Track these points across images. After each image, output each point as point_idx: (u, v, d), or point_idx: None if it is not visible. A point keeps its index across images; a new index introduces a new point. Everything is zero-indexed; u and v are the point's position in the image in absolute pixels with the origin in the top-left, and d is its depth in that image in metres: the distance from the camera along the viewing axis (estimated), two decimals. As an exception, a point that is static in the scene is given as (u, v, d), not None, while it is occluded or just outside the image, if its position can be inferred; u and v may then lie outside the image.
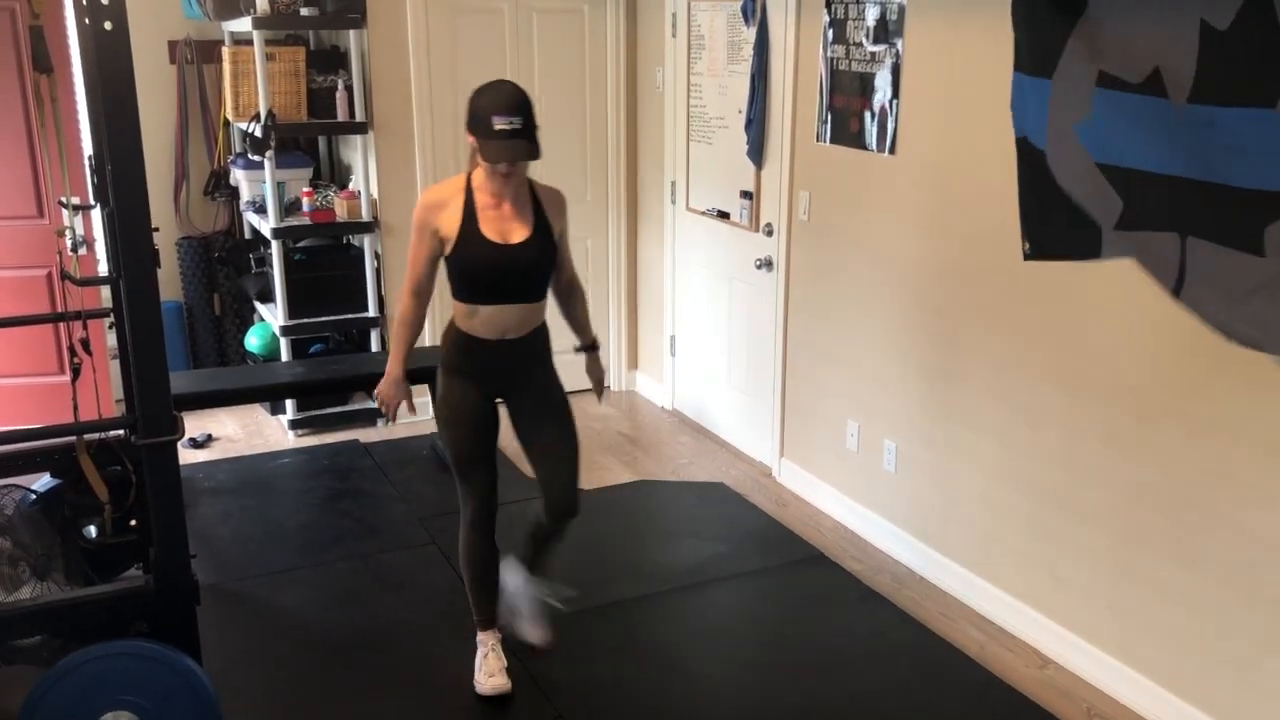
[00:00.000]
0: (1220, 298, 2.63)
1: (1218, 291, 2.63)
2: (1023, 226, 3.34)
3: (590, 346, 3.31)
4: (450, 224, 2.92)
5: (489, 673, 3.18)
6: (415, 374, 4.71)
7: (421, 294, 3.06)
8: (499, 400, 3.13)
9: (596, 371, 3.33)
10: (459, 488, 3.17)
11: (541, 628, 3.39)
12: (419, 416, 5.38)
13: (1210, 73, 2.61)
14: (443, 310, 5.48)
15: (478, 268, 2.94)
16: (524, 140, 2.84)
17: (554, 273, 3.09)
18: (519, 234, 2.95)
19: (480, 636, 3.25)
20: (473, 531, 3.18)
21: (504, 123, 2.81)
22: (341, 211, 5.14)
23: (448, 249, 2.94)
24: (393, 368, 3.13)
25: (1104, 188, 2.84)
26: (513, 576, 3.40)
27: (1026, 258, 3.35)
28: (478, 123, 2.85)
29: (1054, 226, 3.24)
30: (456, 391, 3.07)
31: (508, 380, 3.10)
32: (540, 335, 3.12)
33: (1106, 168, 2.82)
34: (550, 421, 3.14)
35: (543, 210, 3.01)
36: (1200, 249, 2.63)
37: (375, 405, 3.22)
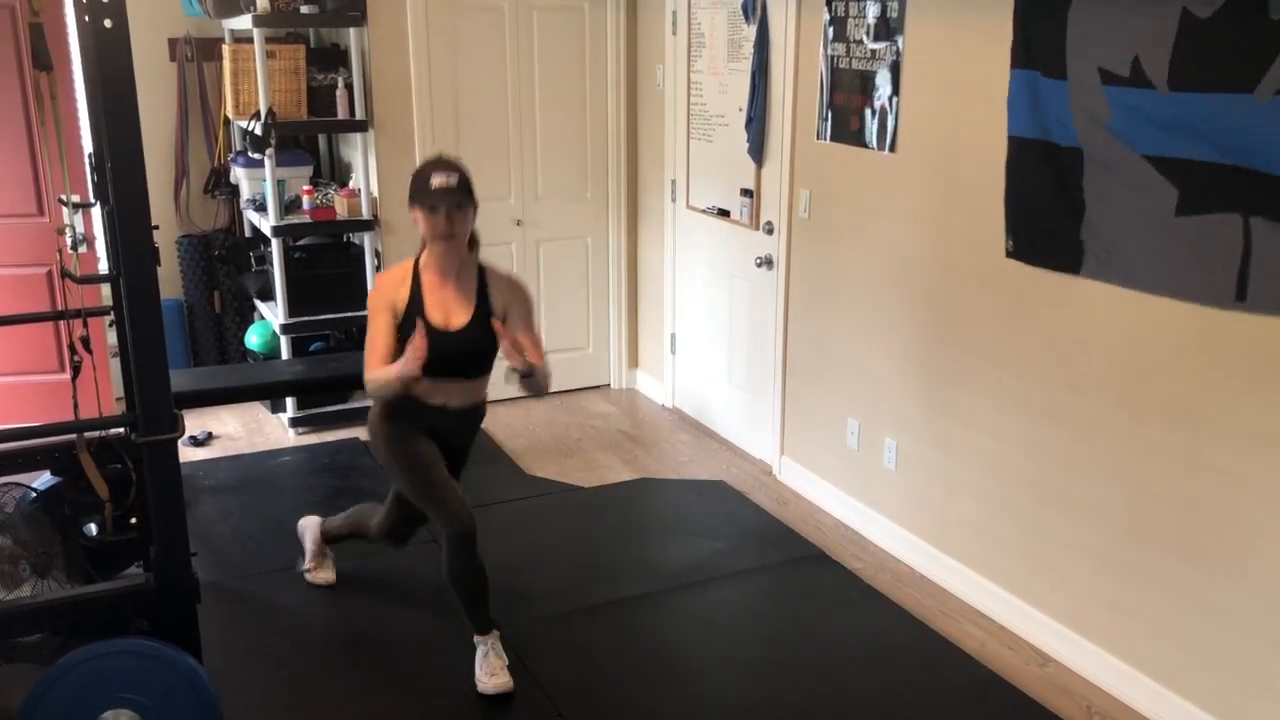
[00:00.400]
0: None
1: None
2: (1007, 224, 3.35)
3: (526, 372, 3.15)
4: (400, 304, 3.10)
5: (490, 671, 3.18)
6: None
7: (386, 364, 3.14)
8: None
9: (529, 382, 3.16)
10: (435, 518, 3.18)
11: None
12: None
13: (1190, 61, 2.64)
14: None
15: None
16: (459, 191, 3.01)
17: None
18: (459, 318, 3.11)
19: (478, 638, 3.25)
20: (458, 554, 3.16)
21: (441, 178, 3.00)
22: (342, 209, 5.14)
23: (397, 323, 3.09)
24: (388, 376, 3.10)
25: (1154, 178, 2.83)
26: (312, 529, 3.75)
27: (1008, 255, 3.37)
28: (417, 188, 3.04)
29: (1039, 231, 3.25)
30: (404, 435, 3.18)
31: (449, 439, 3.26)
32: (478, 412, 3.31)
33: (1153, 158, 2.82)
34: (455, 470, 3.32)
35: (487, 294, 3.14)
36: (1265, 229, 2.61)
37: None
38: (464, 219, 3.04)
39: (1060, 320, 3.28)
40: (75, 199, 3.38)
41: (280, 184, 5.09)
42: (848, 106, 4.02)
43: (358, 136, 5.24)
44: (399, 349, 3.06)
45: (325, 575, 3.82)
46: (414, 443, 3.17)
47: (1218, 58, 2.61)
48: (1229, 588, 2.88)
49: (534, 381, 3.09)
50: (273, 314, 5.26)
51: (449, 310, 3.11)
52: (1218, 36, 2.60)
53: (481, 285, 3.16)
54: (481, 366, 3.22)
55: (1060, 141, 3.08)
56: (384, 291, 3.11)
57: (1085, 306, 3.18)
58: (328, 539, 3.76)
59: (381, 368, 3.09)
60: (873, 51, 3.86)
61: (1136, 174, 2.87)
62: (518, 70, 5.28)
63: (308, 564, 3.81)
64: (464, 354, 3.13)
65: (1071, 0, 2.94)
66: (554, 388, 5.63)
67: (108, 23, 2.30)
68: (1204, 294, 2.80)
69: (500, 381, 3.21)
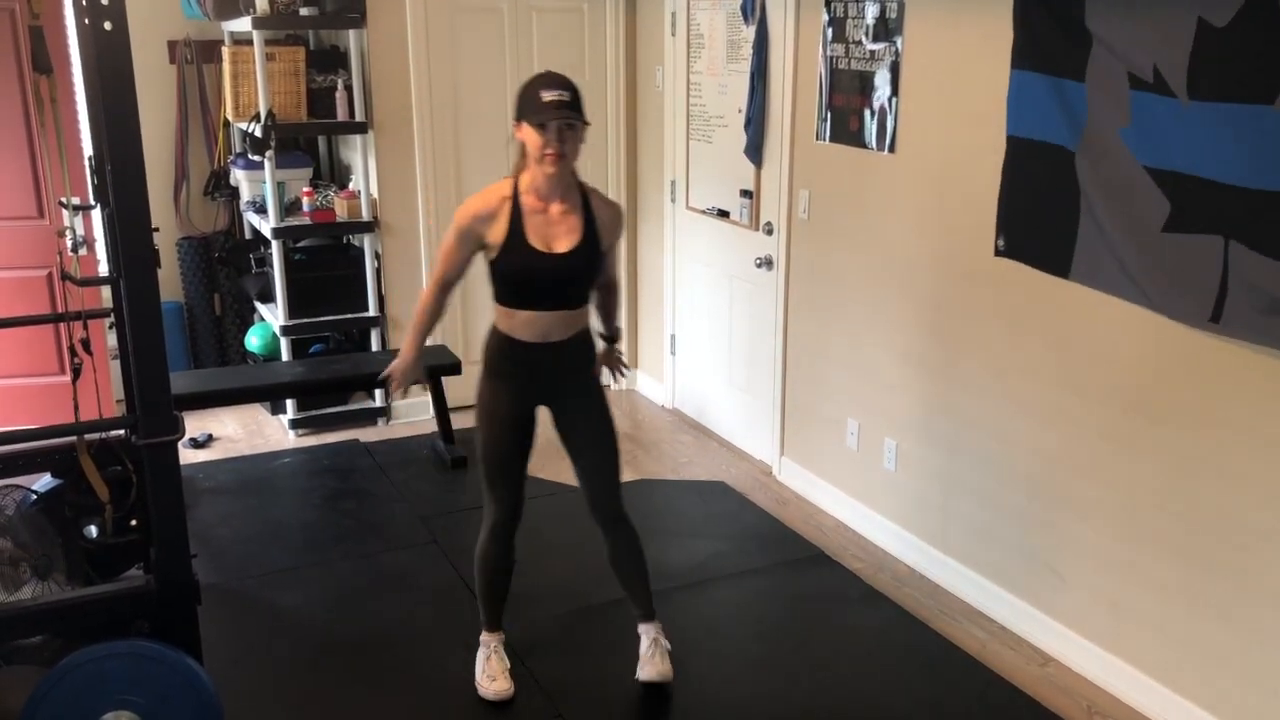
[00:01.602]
0: (1262, 307, 2.60)
1: (1259, 299, 2.60)
2: (999, 222, 3.35)
3: (610, 337, 3.30)
4: (497, 232, 2.89)
5: (491, 676, 3.17)
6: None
7: (448, 288, 3.06)
8: (542, 406, 3.10)
9: (609, 358, 3.31)
10: (484, 493, 3.14)
11: (655, 665, 3.20)
12: (413, 405, 5.38)
13: (1208, 70, 2.61)
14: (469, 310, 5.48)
15: (520, 276, 2.92)
16: (570, 107, 2.80)
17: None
18: (564, 242, 2.91)
19: (484, 638, 3.24)
20: (491, 541, 3.15)
21: (553, 94, 2.79)
22: (341, 211, 5.15)
23: (492, 255, 2.93)
24: (406, 350, 3.10)
25: (1151, 190, 2.81)
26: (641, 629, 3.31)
27: (997, 253, 3.37)
28: (525, 103, 2.83)
29: (1031, 232, 3.25)
30: (494, 395, 3.04)
31: (549, 384, 3.06)
32: (582, 340, 3.08)
33: (1154, 171, 2.80)
34: (590, 431, 3.12)
35: (594, 219, 2.95)
36: (1244, 254, 2.61)
37: (380, 377, 3.18)
38: (575, 137, 2.83)
39: (1058, 321, 3.28)
40: (75, 201, 3.38)
41: (280, 186, 5.09)
42: (847, 107, 4.03)
43: (357, 138, 5.24)
44: (494, 274, 2.96)
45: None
46: (498, 413, 3.03)
47: (1235, 67, 2.56)
48: (1229, 587, 2.88)
49: (613, 349, 3.25)
50: (273, 316, 5.27)
51: (551, 234, 2.90)
52: (1235, 46, 2.55)
53: (588, 210, 2.94)
54: (582, 295, 3.02)
55: (1061, 144, 3.08)
56: (474, 219, 2.91)
57: (1082, 308, 3.18)
58: (637, 607, 3.30)
59: (423, 305, 3.07)
60: (872, 52, 3.86)
61: (1134, 184, 2.86)
62: (517, 71, 5.27)
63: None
64: (564, 280, 2.93)
65: (1087, 5, 2.91)
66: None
67: (107, 25, 2.30)
68: (1181, 313, 2.81)
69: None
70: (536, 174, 2.87)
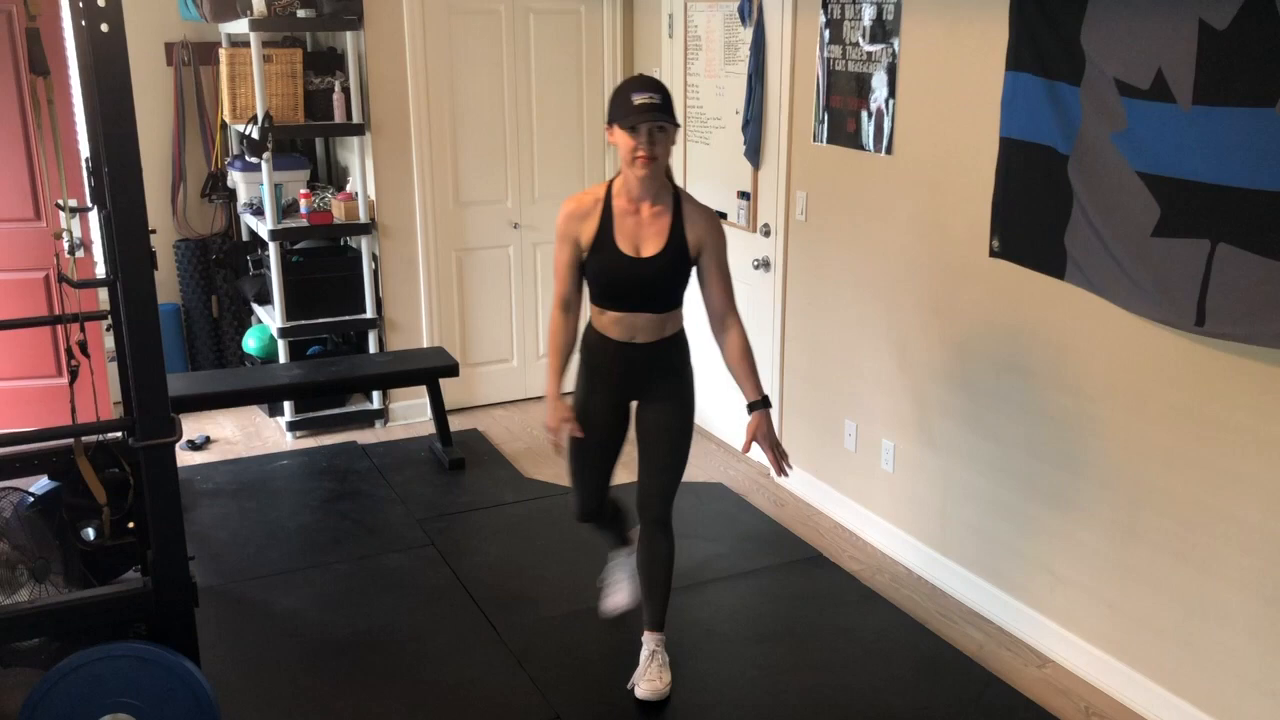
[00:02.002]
0: (1244, 308, 2.61)
1: (1242, 302, 2.61)
2: (993, 223, 3.35)
3: (754, 404, 3.05)
4: (588, 232, 2.98)
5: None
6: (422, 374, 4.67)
7: (569, 306, 3.09)
8: (632, 403, 3.16)
9: (764, 432, 3.03)
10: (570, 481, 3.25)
11: (651, 683, 3.19)
12: (410, 407, 5.38)
13: (1212, 74, 2.60)
14: (469, 312, 5.45)
15: (606, 277, 3.00)
16: (661, 110, 2.84)
17: (704, 296, 3.08)
18: (651, 246, 2.97)
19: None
20: (580, 525, 3.25)
21: (643, 98, 2.84)
22: (339, 213, 5.15)
23: (583, 255, 3.01)
24: (548, 392, 3.10)
25: (1142, 194, 2.82)
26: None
27: (992, 254, 3.37)
28: (616, 106, 2.89)
29: (1025, 233, 3.25)
30: (585, 388, 3.14)
31: (637, 381, 3.11)
32: (673, 343, 3.10)
33: (1145, 176, 2.80)
34: (661, 432, 3.12)
35: (682, 224, 2.98)
36: (1229, 256, 2.61)
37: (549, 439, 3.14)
38: (665, 140, 2.87)
39: (1055, 322, 3.28)
40: (72, 203, 3.38)
41: (277, 188, 5.09)
42: (844, 109, 4.03)
43: (355, 140, 5.24)
44: (586, 273, 3.02)
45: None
46: (586, 406, 3.12)
47: (1238, 71, 2.55)
48: (1226, 589, 2.88)
49: (763, 418, 3.02)
50: (270, 318, 5.27)
51: (640, 238, 2.97)
52: (1237, 49, 2.55)
53: (677, 214, 2.98)
54: (671, 300, 3.04)
55: (1054, 146, 3.08)
56: (570, 221, 2.99)
57: (1076, 309, 3.18)
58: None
59: (551, 334, 3.09)
60: (869, 54, 3.86)
61: (1126, 189, 2.87)
62: (514, 73, 5.29)
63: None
64: (651, 284, 2.98)
65: (1087, 6, 2.91)
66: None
67: (105, 27, 2.30)
68: (1166, 316, 2.82)
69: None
70: (629, 176, 2.94)
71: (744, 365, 3.07)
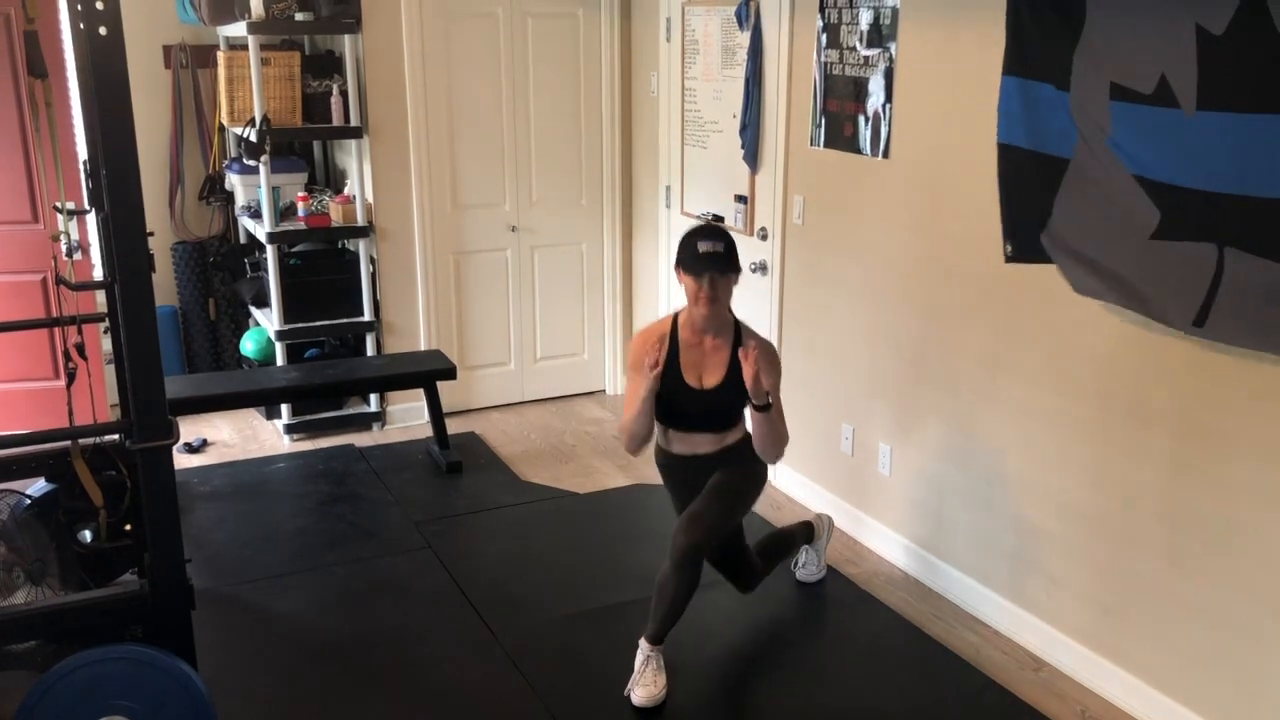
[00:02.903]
0: (1251, 313, 2.61)
1: (1250, 305, 2.61)
2: (1004, 229, 3.35)
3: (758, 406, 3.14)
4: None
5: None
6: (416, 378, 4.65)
7: (637, 440, 3.23)
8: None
9: (764, 366, 3.10)
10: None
11: (647, 688, 3.18)
12: (408, 410, 5.37)
13: (1213, 79, 2.61)
14: (466, 315, 5.44)
15: (671, 404, 3.22)
16: (724, 259, 3.09)
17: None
18: (713, 377, 3.21)
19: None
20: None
21: (707, 245, 3.10)
22: (337, 216, 5.15)
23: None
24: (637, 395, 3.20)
25: (1141, 198, 2.82)
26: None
27: (1008, 260, 3.37)
28: (683, 252, 3.14)
29: (1035, 234, 3.25)
30: (666, 486, 3.49)
31: (704, 480, 3.31)
32: (735, 447, 3.31)
33: (1143, 180, 2.80)
34: (717, 482, 3.27)
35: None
36: (1239, 260, 2.61)
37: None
38: (726, 286, 3.12)
39: (1052, 327, 3.29)
40: (70, 206, 3.38)
41: (275, 191, 5.09)
42: (841, 113, 4.04)
43: (353, 143, 5.24)
44: (655, 406, 3.19)
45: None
46: (671, 494, 3.47)
47: (1238, 76, 2.54)
48: (1221, 592, 2.89)
49: (770, 419, 3.13)
50: (267, 320, 5.27)
51: (703, 369, 3.21)
52: (1235, 54, 2.54)
53: (735, 346, 3.20)
54: (727, 420, 3.30)
55: (1050, 152, 3.08)
56: (640, 352, 3.20)
57: (1076, 313, 3.19)
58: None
59: (631, 407, 3.19)
60: (866, 58, 3.87)
61: (1125, 193, 2.87)
62: (512, 77, 5.29)
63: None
64: (712, 410, 3.24)
65: (1088, 12, 2.91)
66: (549, 393, 5.71)
67: (103, 30, 2.31)
68: (1167, 317, 2.82)
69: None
70: (694, 313, 3.17)
71: (758, 441, 3.23)
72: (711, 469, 3.30)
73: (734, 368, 3.16)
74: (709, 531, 3.16)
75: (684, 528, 3.15)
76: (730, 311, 3.23)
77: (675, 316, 3.27)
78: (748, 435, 3.31)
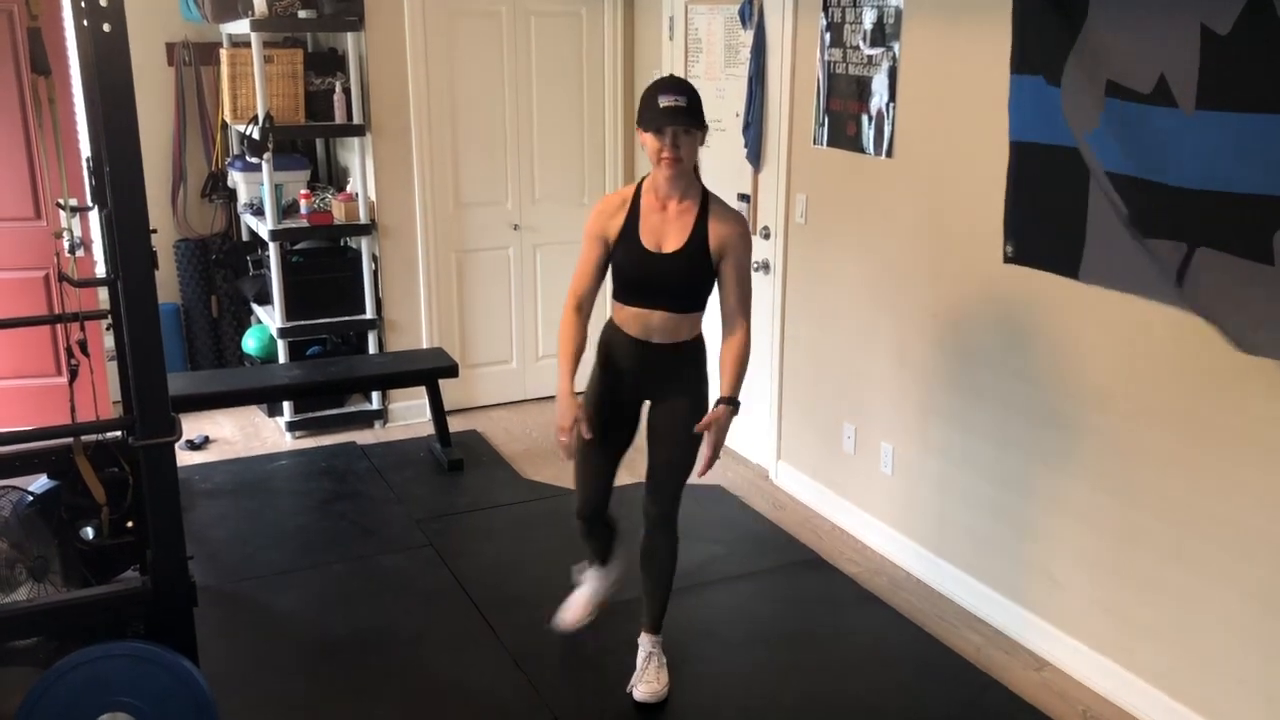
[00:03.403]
0: (1228, 305, 2.62)
1: (1225, 298, 2.62)
2: (1006, 229, 3.35)
3: (724, 399, 3.00)
4: (615, 226, 3.03)
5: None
6: (411, 376, 4.67)
7: (582, 306, 3.07)
8: (644, 403, 3.18)
9: (721, 425, 2.98)
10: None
11: (649, 685, 3.20)
12: (410, 408, 5.38)
13: (1214, 79, 2.60)
14: (468, 312, 5.45)
15: (626, 270, 3.03)
16: (686, 113, 2.88)
17: (720, 298, 3.04)
18: (673, 242, 2.99)
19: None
20: (578, 520, 3.27)
21: (669, 99, 2.88)
22: (339, 214, 5.15)
23: (610, 249, 3.04)
24: (560, 388, 3.02)
25: (1111, 195, 2.84)
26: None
27: (1006, 260, 3.37)
28: (644, 108, 2.93)
29: (1039, 234, 3.24)
30: (598, 385, 3.16)
31: (650, 382, 3.12)
32: (688, 348, 3.10)
33: (1115, 176, 2.81)
34: (669, 431, 3.12)
35: (706, 224, 2.98)
36: (1208, 258, 2.62)
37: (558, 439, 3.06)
38: (690, 143, 2.92)
39: (1056, 325, 3.29)
40: (73, 203, 3.38)
41: (278, 188, 5.09)
42: (844, 112, 4.03)
43: (355, 141, 5.24)
44: (611, 266, 3.05)
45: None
46: (595, 398, 3.13)
47: (1241, 76, 2.54)
48: (1225, 593, 2.88)
49: (721, 414, 2.97)
50: (270, 318, 5.27)
51: (662, 234, 2.99)
52: (1240, 54, 2.53)
53: (702, 214, 2.99)
54: (688, 301, 3.04)
55: (1065, 144, 3.07)
56: (599, 218, 3.04)
57: (1081, 311, 3.18)
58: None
59: (561, 332, 3.06)
60: (869, 57, 3.87)
61: (1099, 186, 2.88)
62: (515, 74, 5.29)
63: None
64: (669, 280, 3.00)
65: (1089, 10, 2.91)
66: (551, 391, 5.69)
67: (106, 27, 2.31)
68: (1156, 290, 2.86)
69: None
70: (655, 175, 2.99)
71: (732, 364, 3.00)
72: (655, 371, 3.08)
73: (697, 234, 2.97)
74: (675, 496, 3.17)
75: (651, 501, 3.16)
76: (697, 175, 3.03)
77: (640, 183, 3.07)
78: (700, 340, 3.12)
